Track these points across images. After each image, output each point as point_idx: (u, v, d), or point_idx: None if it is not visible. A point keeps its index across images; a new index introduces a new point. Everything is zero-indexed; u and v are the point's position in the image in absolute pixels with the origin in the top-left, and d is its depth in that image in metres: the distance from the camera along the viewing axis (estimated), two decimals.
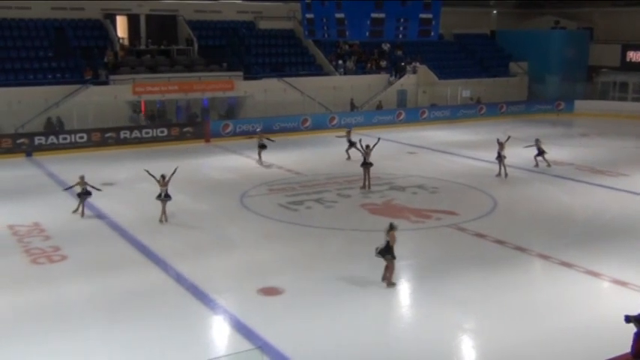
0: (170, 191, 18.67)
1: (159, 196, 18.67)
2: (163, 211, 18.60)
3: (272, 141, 27.65)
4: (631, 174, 24.96)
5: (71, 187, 19.63)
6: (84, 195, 19.20)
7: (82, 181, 19.20)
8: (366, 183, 22.37)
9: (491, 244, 16.91)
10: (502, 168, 24.26)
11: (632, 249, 16.60)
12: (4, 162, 26.98)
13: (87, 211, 19.24)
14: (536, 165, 25.90)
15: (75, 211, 19.27)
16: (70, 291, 13.99)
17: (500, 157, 24.17)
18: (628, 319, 6.67)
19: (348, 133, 28.08)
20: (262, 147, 27.02)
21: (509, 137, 25.04)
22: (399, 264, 16.17)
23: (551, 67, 44.08)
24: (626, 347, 6.69)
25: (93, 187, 19.38)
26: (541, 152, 25.76)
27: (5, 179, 24.27)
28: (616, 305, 12.36)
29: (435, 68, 41.33)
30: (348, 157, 26.94)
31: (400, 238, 17.97)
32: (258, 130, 29.14)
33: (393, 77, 39.83)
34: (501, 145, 24.16)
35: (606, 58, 44.41)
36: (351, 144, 26.42)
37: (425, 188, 22.82)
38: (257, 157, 27.11)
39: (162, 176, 18.66)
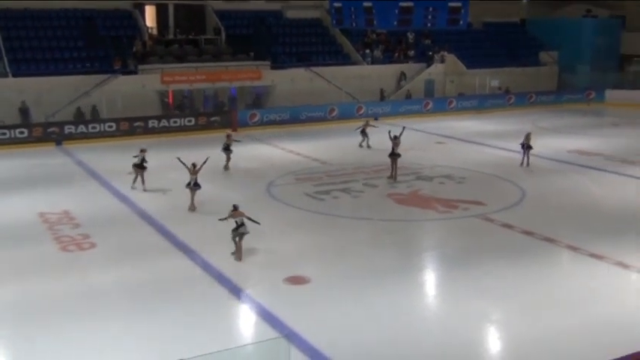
0: (198, 180, 18.78)
1: (188, 185, 18.80)
2: (192, 200, 18.72)
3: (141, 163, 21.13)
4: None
5: (226, 219, 15.36)
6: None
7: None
8: (393, 173, 22.28)
9: (519, 235, 16.76)
10: (526, 157, 24.10)
11: None
12: (35, 150, 27.36)
13: (114, 199, 19.41)
14: (361, 145, 27.83)
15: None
16: (99, 278, 14.15)
17: (525, 147, 23.97)
18: None
19: (228, 137, 24.38)
20: (138, 167, 20.84)
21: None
22: (425, 254, 16.14)
23: (582, 56, 43.42)
24: None
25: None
26: (364, 132, 27.65)
27: (36, 167, 24.60)
28: None
29: (463, 57, 40.92)
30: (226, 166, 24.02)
31: (427, 229, 18.01)
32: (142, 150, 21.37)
33: (404, 81, 39.32)
34: (528, 136, 24.00)
35: (638, 46, 43.60)
36: (227, 149, 23.99)
37: (452, 178, 22.68)
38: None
39: (194, 164, 18.80)
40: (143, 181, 20.70)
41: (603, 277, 14.23)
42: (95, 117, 30.73)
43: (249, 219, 15.08)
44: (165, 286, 13.70)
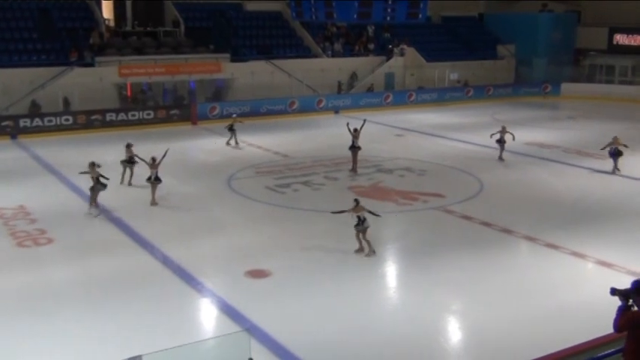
0: (159, 174, 18.59)
1: (149, 179, 18.59)
2: (153, 194, 18.51)
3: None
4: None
5: (343, 212, 15.12)
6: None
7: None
8: (354, 166, 22.34)
9: (477, 227, 16.97)
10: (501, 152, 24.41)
11: (618, 231, 16.73)
12: None
13: (72, 194, 19.13)
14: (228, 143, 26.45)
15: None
16: (57, 274, 13.92)
17: (501, 142, 24.21)
18: (614, 291, 6.73)
19: (128, 148, 20.65)
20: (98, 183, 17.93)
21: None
22: (386, 246, 16.24)
23: (539, 49, 44.07)
24: (611, 328, 6.76)
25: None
26: (232, 129, 26.35)
27: None
28: (601, 286, 12.39)
29: (422, 51, 41.21)
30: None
31: (387, 221, 18.10)
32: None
33: (356, 82, 38.99)
34: (503, 129, 24.26)
35: (593, 41, 44.41)
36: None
37: (412, 171, 22.85)
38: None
39: (153, 158, 18.57)
40: (93, 202, 17.88)
41: (559, 266, 14.51)
42: (67, 108, 30.19)
43: (370, 212, 14.82)
44: (125, 281, 13.55)
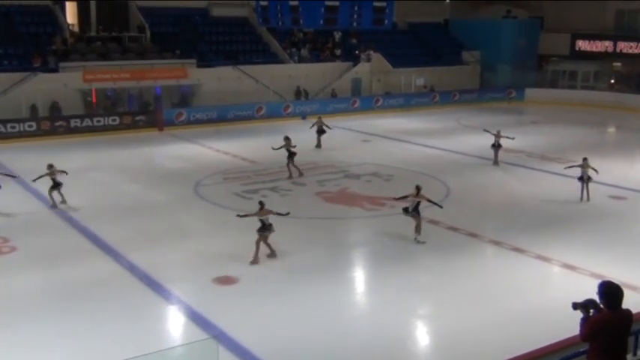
0: (124, 181, 18.45)
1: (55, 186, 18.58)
2: (52, 197, 18.56)
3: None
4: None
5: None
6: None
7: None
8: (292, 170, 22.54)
9: (444, 231, 17.10)
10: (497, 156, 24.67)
11: (581, 234, 17.00)
12: None
13: (35, 201, 18.83)
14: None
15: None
16: (21, 283, 13.68)
17: (495, 146, 24.48)
18: (575, 306, 6.85)
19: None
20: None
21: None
22: (354, 251, 16.30)
23: (503, 55, 44.64)
24: (576, 330, 6.88)
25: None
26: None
27: None
28: (566, 289, 12.65)
29: (389, 56, 41.45)
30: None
31: (355, 226, 18.17)
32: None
33: (304, 99, 38.34)
34: (498, 133, 24.50)
35: (556, 47, 45.14)
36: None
37: (379, 176, 22.96)
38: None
39: (50, 165, 18.46)
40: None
41: (525, 269, 14.69)
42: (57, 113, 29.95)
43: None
44: (91, 288, 13.37)
